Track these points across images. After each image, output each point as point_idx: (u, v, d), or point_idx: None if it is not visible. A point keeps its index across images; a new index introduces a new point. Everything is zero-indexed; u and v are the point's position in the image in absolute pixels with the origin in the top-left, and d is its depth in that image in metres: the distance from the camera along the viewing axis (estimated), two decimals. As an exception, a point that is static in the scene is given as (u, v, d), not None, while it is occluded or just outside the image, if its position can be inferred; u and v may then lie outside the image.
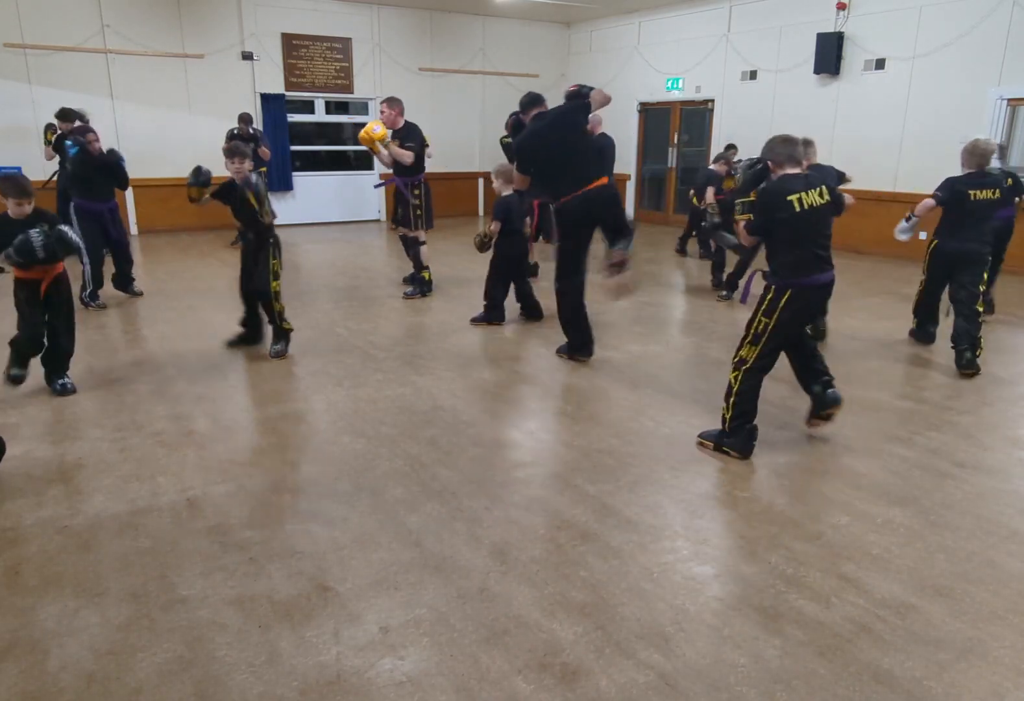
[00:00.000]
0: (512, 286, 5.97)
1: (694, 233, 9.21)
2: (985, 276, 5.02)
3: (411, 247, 6.79)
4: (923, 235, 5.68)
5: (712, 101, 11.25)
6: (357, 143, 12.27)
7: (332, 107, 11.89)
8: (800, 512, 3.01)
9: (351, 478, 3.26)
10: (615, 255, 4.67)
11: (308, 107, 11.57)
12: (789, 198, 3.21)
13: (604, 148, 7.32)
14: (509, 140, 7.71)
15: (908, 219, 5.23)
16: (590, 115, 4.83)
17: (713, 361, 5.03)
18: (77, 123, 7.18)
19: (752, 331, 3.40)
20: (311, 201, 11.72)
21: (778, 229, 3.30)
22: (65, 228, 3.94)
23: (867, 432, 3.84)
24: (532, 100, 4.97)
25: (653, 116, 12.44)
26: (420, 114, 11.81)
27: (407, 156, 6.32)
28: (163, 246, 9.62)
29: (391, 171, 6.74)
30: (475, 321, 5.90)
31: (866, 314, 6.36)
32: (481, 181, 13.01)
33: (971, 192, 4.89)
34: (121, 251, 6.53)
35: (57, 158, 7.30)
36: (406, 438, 3.70)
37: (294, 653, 2.15)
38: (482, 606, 2.37)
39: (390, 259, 8.91)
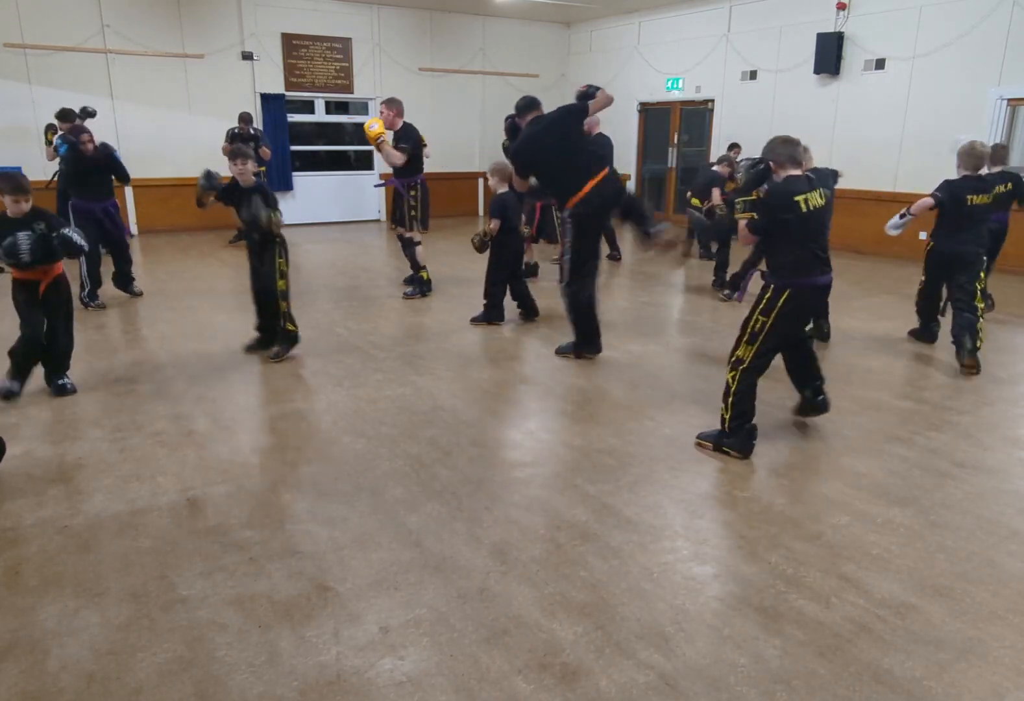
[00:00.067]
0: (510, 287, 5.97)
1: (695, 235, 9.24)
2: (982, 275, 5.06)
3: (407, 247, 6.80)
4: (923, 235, 5.68)
5: (712, 101, 11.25)
6: (357, 143, 12.39)
7: (332, 107, 11.90)
8: (800, 512, 3.01)
9: (351, 478, 3.26)
10: (662, 236, 4.75)
11: (308, 107, 11.57)
12: (796, 199, 3.24)
13: (602, 147, 7.33)
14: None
15: (902, 216, 5.28)
16: (589, 116, 4.83)
17: (713, 361, 5.03)
18: (76, 122, 7.19)
19: (749, 330, 3.41)
20: (311, 201, 11.72)
21: (782, 229, 3.32)
22: (68, 230, 3.91)
23: (867, 432, 3.84)
24: (528, 104, 4.97)
25: (653, 116, 12.45)
26: (420, 114, 11.83)
27: (395, 156, 6.31)
28: (163, 246, 9.62)
29: (391, 171, 6.75)
30: (475, 321, 5.90)
31: (866, 314, 6.36)
32: (481, 181, 13.00)
33: (968, 197, 4.96)
34: (120, 251, 6.52)
35: (58, 159, 7.30)
36: (406, 438, 3.70)
37: (294, 653, 2.15)
38: (482, 606, 2.37)
39: (390, 259, 8.91)
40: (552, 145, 4.65)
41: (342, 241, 10.50)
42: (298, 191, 11.60)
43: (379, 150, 6.36)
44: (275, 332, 4.96)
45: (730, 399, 3.45)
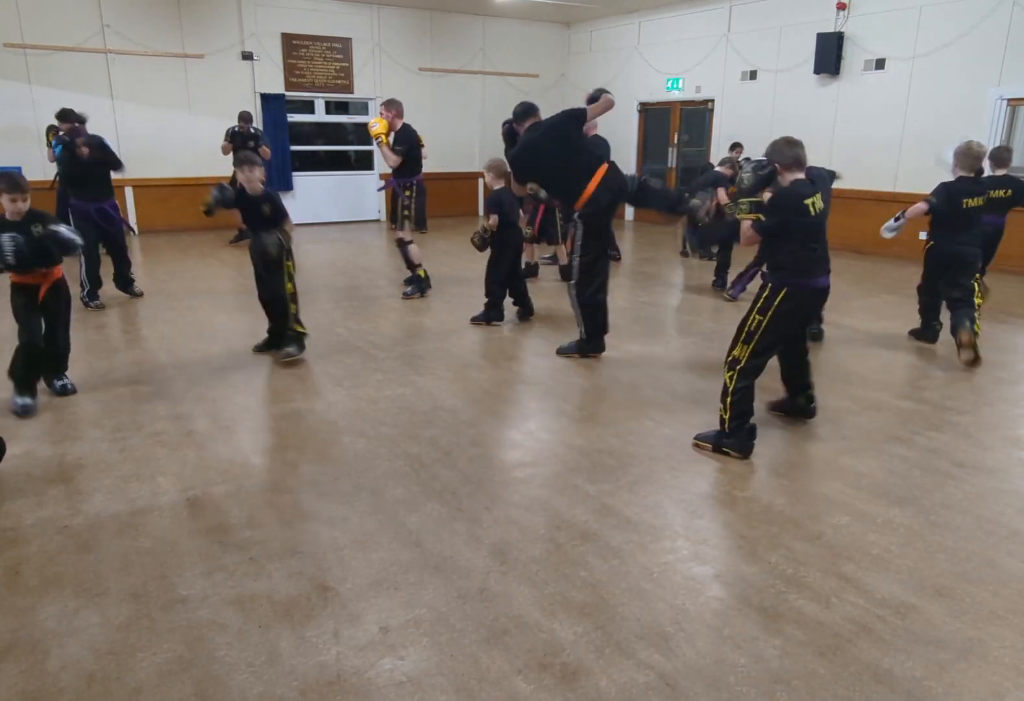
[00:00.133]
0: (508, 284, 5.98)
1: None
2: (978, 275, 5.17)
3: (400, 247, 6.84)
4: (922, 235, 5.70)
5: (712, 101, 11.26)
6: (357, 143, 12.40)
7: (332, 107, 11.90)
8: (800, 512, 3.01)
9: (351, 478, 3.26)
10: (704, 206, 4.76)
11: (308, 107, 11.57)
12: (806, 202, 3.29)
13: (597, 148, 7.33)
14: None
15: (897, 219, 5.36)
16: (588, 120, 4.84)
17: (713, 361, 5.03)
18: (76, 124, 7.18)
19: (745, 329, 3.42)
20: (311, 201, 11.73)
21: (788, 231, 3.34)
22: (60, 227, 3.81)
23: (867, 432, 3.84)
24: (526, 110, 5.00)
25: (653, 116, 12.45)
26: (420, 114, 11.84)
27: (390, 158, 6.45)
28: (163, 246, 9.62)
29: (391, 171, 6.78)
30: (475, 321, 5.91)
31: (866, 314, 6.36)
32: (481, 181, 13.00)
33: (964, 200, 5.04)
34: (119, 252, 6.50)
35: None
36: (406, 438, 3.70)
37: (294, 653, 2.15)
38: (482, 606, 2.37)
39: (390, 259, 8.91)
40: (552, 150, 4.67)
41: (342, 241, 10.50)
42: (298, 191, 11.60)
43: (379, 149, 6.45)
44: (283, 334, 4.97)
45: (728, 399, 3.45)
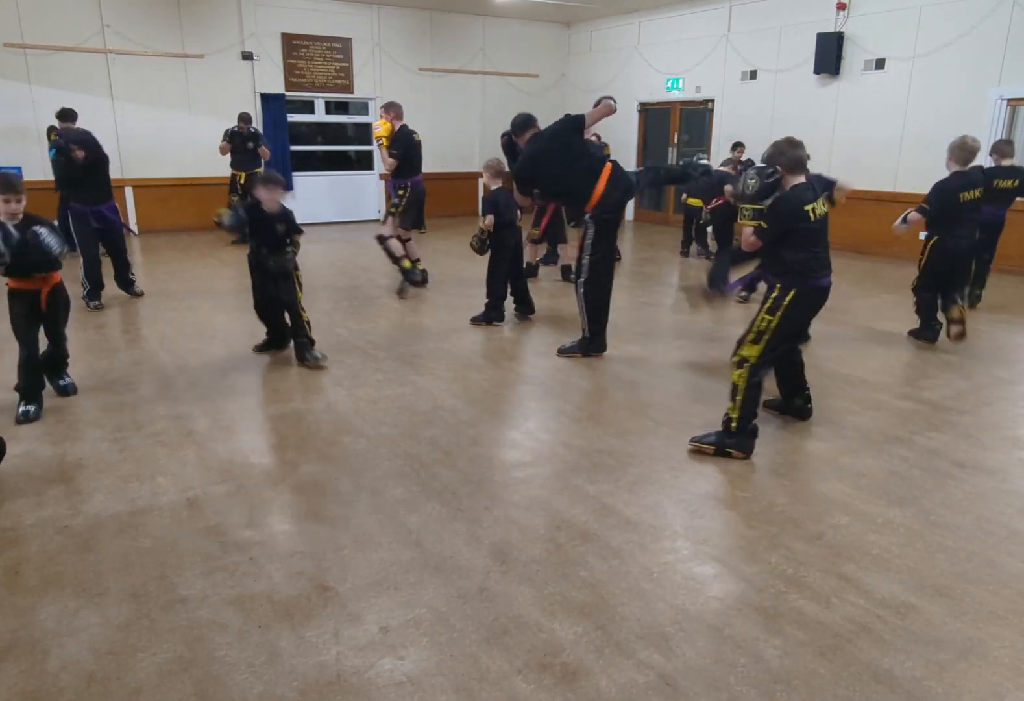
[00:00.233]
0: (509, 282, 5.99)
1: (696, 238, 9.25)
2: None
3: (380, 242, 6.92)
4: (922, 235, 5.71)
5: (712, 101, 11.25)
6: (357, 143, 12.41)
7: (332, 107, 11.89)
8: (800, 512, 3.01)
9: (351, 478, 3.26)
10: (702, 168, 4.96)
11: (308, 107, 11.57)
12: (806, 208, 3.32)
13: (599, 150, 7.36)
14: None
15: (904, 220, 5.38)
16: (588, 126, 4.88)
17: (713, 361, 5.03)
18: (70, 125, 7.17)
19: (754, 329, 3.44)
20: (311, 201, 11.72)
21: (790, 235, 3.38)
22: (42, 230, 3.64)
23: (867, 432, 3.84)
24: (525, 121, 5.06)
25: (653, 116, 12.44)
26: (420, 114, 11.84)
27: (386, 162, 6.67)
28: (163, 246, 9.62)
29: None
30: (475, 321, 5.91)
31: (866, 314, 6.36)
32: (480, 181, 13.00)
33: (961, 194, 5.14)
34: (118, 255, 6.49)
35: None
36: (406, 438, 3.70)
37: (294, 653, 2.15)
38: (482, 606, 2.37)
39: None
40: (556, 158, 4.73)
41: (342, 241, 10.50)
42: (298, 191, 11.59)
43: (379, 151, 6.56)
44: (283, 333, 4.95)
45: (739, 398, 3.46)
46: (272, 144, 10.70)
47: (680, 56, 11.49)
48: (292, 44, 11.05)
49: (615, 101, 4.89)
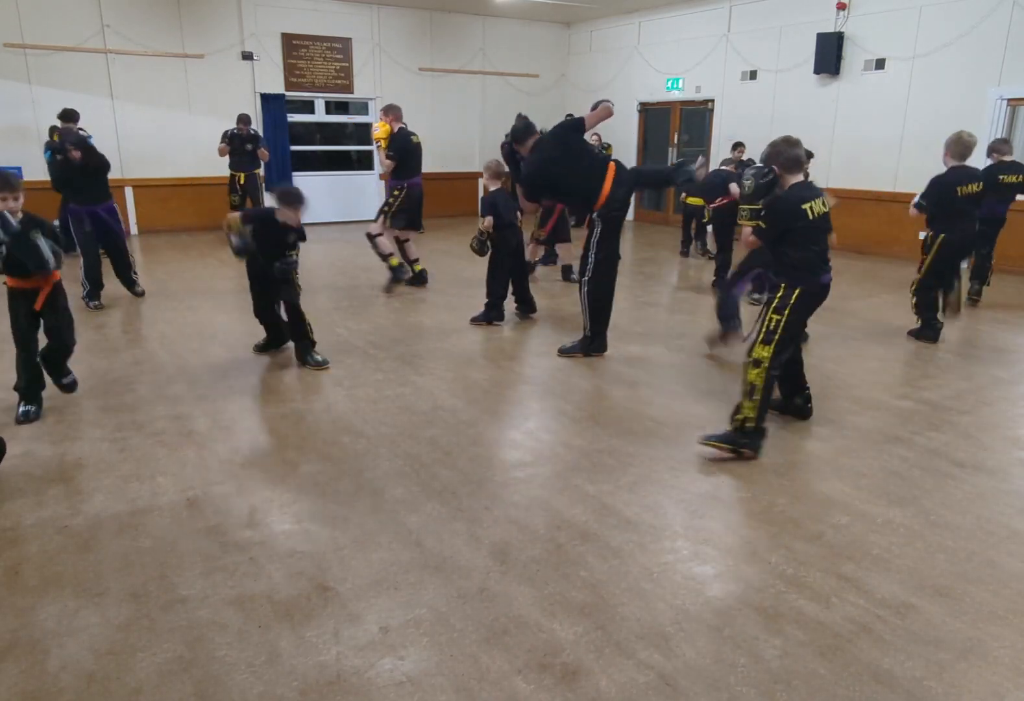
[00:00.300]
0: (511, 281, 6.00)
1: (695, 236, 9.26)
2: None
3: (370, 239, 7.01)
4: (922, 235, 5.73)
5: (712, 101, 11.25)
6: (357, 143, 12.41)
7: (332, 107, 11.90)
8: (800, 512, 3.01)
9: (351, 478, 3.26)
10: (701, 170, 4.92)
11: (308, 107, 11.57)
12: (804, 207, 3.34)
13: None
14: None
15: (915, 204, 5.47)
16: (587, 128, 4.94)
17: (713, 362, 5.03)
18: (70, 126, 7.16)
19: (764, 329, 3.45)
20: (311, 201, 11.69)
21: (789, 234, 3.40)
22: (41, 241, 3.61)
23: (867, 432, 3.84)
24: (526, 129, 5.09)
25: (653, 116, 12.44)
26: (420, 114, 11.84)
27: (384, 164, 6.80)
28: (163, 246, 9.62)
29: None
30: (475, 321, 5.91)
31: (866, 314, 6.36)
32: (481, 181, 13.00)
33: (958, 188, 5.18)
34: (117, 255, 6.47)
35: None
36: (406, 438, 3.70)
37: (294, 653, 2.15)
38: (482, 606, 2.37)
39: (390, 259, 8.90)
40: (561, 162, 4.76)
41: (342, 241, 10.49)
42: (298, 191, 11.58)
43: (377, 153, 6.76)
44: (282, 332, 4.94)
45: (756, 397, 3.46)
46: (272, 144, 10.72)
47: (680, 56, 11.49)
48: (292, 44, 11.05)
49: (612, 104, 4.95)
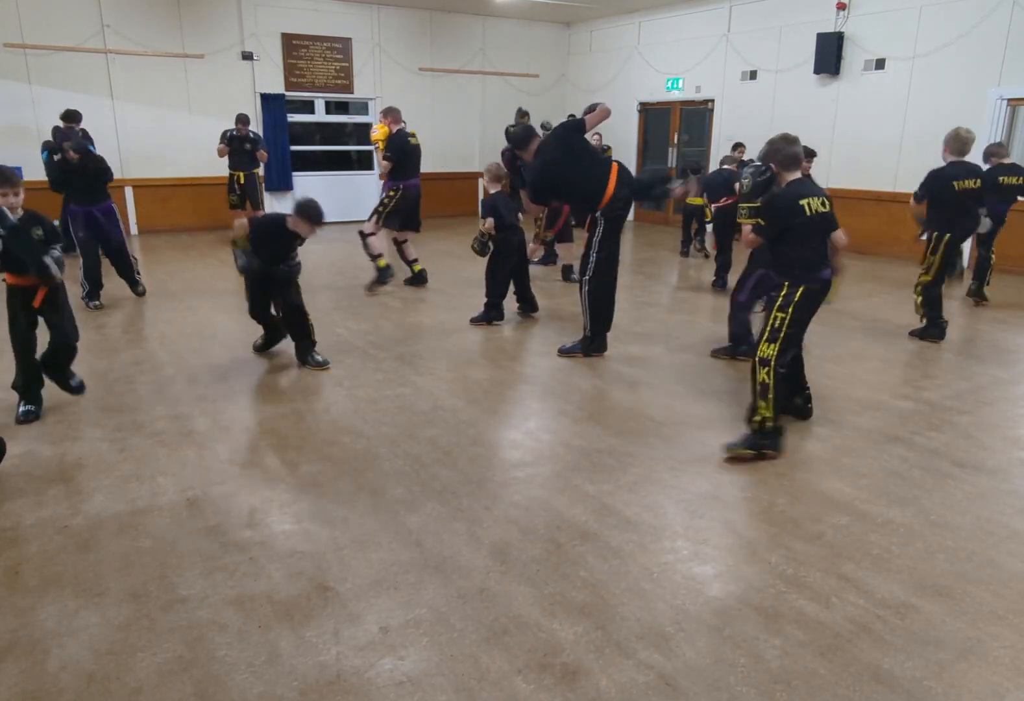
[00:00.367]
0: (512, 281, 6.01)
1: (695, 234, 9.26)
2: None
3: (361, 238, 7.04)
4: (924, 236, 5.73)
5: (712, 101, 11.25)
6: (356, 143, 12.41)
7: (332, 107, 11.90)
8: (800, 512, 3.01)
9: (351, 478, 3.26)
10: (679, 190, 5.06)
11: (308, 107, 11.57)
12: (801, 203, 3.35)
13: None
14: None
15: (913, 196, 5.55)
16: (588, 130, 4.94)
17: (713, 362, 5.03)
18: (71, 126, 7.17)
19: (769, 328, 3.46)
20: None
21: (788, 232, 3.40)
22: (48, 258, 3.61)
23: (867, 432, 3.84)
24: (527, 134, 5.09)
25: (653, 116, 12.44)
26: (420, 114, 11.85)
27: (381, 165, 6.87)
28: (163, 246, 9.62)
29: None
30: (475, 321, 5.91)
31: (866, 314, 6.36)
32: (481, 181, 12.99)
33: (954, 182, 5.21)
34: (116, 257, 6.44)
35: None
36: (406, 438, 3.70)
37: (294, 653, 2.15)
38: (482, 606, 2.37)
39: (390, 259, 8.89)
40: (566, 163, 4.76)
41: (341, 241, 10.48)
42: (298, 191, 11.58)
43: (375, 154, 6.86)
44: (279, 331, 4.94)
45: (770, 396, 3.46)
46: (272, 144, 10.72)
47: (680, 56, 11.49)
48: (292, 44, 11.05)
49: (603, 103, 4.97)
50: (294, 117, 11.39)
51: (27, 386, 3.90)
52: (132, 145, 10.16)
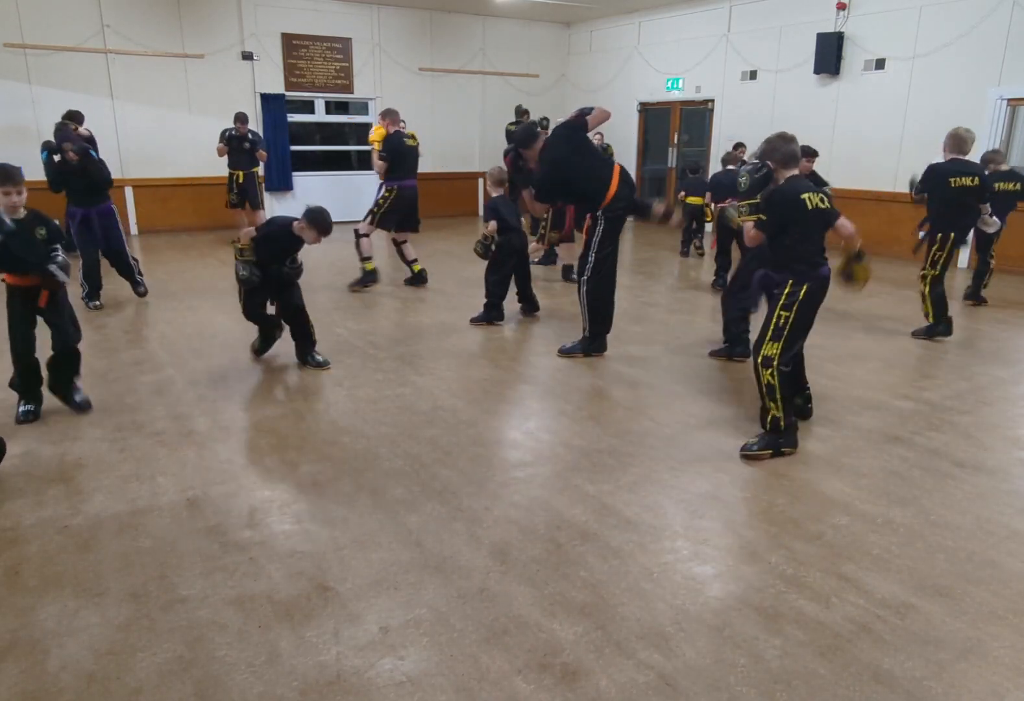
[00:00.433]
0: (515, 281, 6.02)
1: (694, 234, 9.26)
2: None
3: (355, 238, 7.10)
4: (922, 234, 5.74)
5: (712, 101, 11.25)
6: (356, 143, 12.41)
7: (332, 107, 11.90)
8: (800, 512, 3.01)
9: (351, 478, 3.26)
10: (660, 209, 5.10)
11: (308, 107, 11.57)
12: (803, 197, 3.35)
13: None
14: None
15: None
16: (590, 130, 4.97)
17: (713, 361, 5.03)
18: (76, 128, 7.16)
19: (773, 327, 3.45)
20: (310, 201, 11.63)
21: (790, 228, 3.41)
22: (54, 266, 3.60)
23: (867, 432, 3.84)
24: (532, 133, 5.08)
25: (653, 116, 12.44)
26: (420, 114, 11.86)
27: (376, 165, 6.98)
28: (163, 246, 9.62)
29: None
30: (475, 321, 5.91)
31: (866, 314, 6.36)
32: (481, 181, 13.00)
33: (951, 179, 5.26)
34: (114, 258, 6.42)
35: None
36: (406, 438, 3.70)
37: (294, 653, 2.15)
38: (482, 606, 2.37)
39: (389, 259, 8.90)
40: (573, 161, 4.77)
41: (341, 241, 10.45)
42: (298, 191, 11.60)
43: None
44: (275, 326, 4.91)
45: (778, 396, 3.46)
46: (272, 144, 10.72)
47: (680, 56, 11.49)
48: (292, 44, 11.05)
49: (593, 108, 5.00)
50: (294, 117, 11.39)
51: (26, 386, 3.89)
52: (132, 145, 10.16)
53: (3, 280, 3.78)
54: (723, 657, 2.15)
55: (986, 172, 6.24)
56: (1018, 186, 6.19)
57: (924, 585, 2.51)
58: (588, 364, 4.95)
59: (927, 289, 5.54)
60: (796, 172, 3.45)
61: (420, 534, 2.80)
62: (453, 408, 4.11)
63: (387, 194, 6.91)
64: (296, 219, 4.50)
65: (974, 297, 6.70)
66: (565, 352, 5.10)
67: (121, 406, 4.08)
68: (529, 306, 6.15)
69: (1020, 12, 7.85)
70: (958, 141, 5.30)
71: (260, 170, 9.98)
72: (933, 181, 5.34)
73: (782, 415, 3.47)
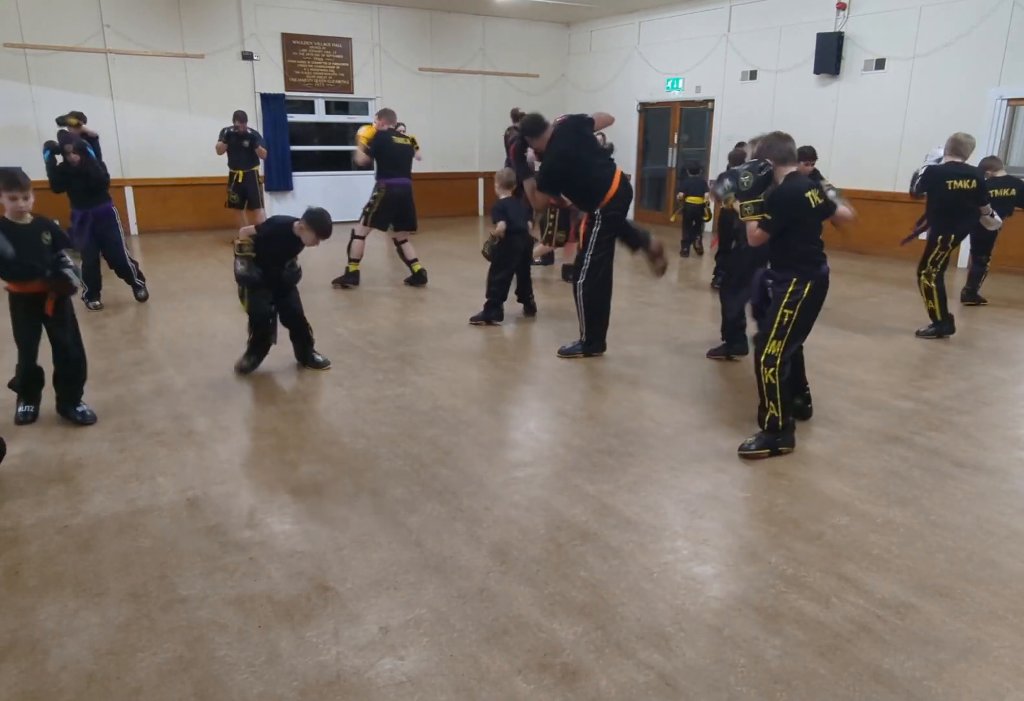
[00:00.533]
0: (516, 281, 6.04)
1: (699, 234, 9.27)
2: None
3: (350, 237, 7.16)
4: (923, 236, 5.75)
5: (712, 101, 11.25)
6: (356, 143, 12.41)
7: (332, 107, 11.90)
8: (800, 512, 3.01)
9: (351, 478, 3.26)
10: (655, 246, 5.11)
11: (308, 107, 11.57)
12: (806, 195, 3.37)
13: None
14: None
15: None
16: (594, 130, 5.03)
17: (713, 361, 5.03)
18: (80, 129, 7.15)
19: (776, 325, 3.45)
20: (310, 201, 11.65)
21: (795, 225, 3.41)
22: (70, 270, 3.62)
23: (867, 432, 3.84)
24: (540, 123, 5.02)
25: (653, 116, 12.44)
26: (420, 114, 11.85)
27: (358, 156, 7.05)
28: (163, 246, 9.62)
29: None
30: (474, 320, 5.91)
31: (866, 314, 6.36)
32: (481, 181, 13.01)
33: (949, 181, 5.33)
34: (112, 260, 6.40)
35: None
36: (406, 438, 3.70)
37: (294, 653, 2.15)
38: (482, 606, 2.37)
39: (389, 259, 8.91)
40: (579, 156, 4.78)
41: (341, 241, 10.46)
42: (298, 191, 11.60)
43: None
44: (267, 348, 4.77)
45: (778, 395, 3.47)
46: (272, 144, 10.72)
47: (680, 56, 11.49)
48: (292, 44, 11.05)
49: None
50: (294, 117, 11.39)
51: (27, 387, 3.89)
52: (132, 145, 10.16)
53: (6, 288, 3.73)
54: (723, 657, 2.15)
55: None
56: (1013, 192, 6.28)
57: (924, 585, 2.51)
58: (588, 364, 4.95)
59: (933, 285, 5.57)
60: (794, 169, 3.46)
61: (420, 534, 2.80)
62: (453, 408, 4.11)
63: (377, 193, 6.97)
64: (297, 219, 4.50)
65: (971, 298, 6.72)
66: (565, 353, 5.09)
67: (121, 406, 4.08)
68: (526, 309, 6.16)
69: (1020, 12, 7.85)
70: (956, 144, 5.39)
71: (260, 169, 9.98)
72: (932, 182, 5.41)
73: (780, 414, 3.48)
